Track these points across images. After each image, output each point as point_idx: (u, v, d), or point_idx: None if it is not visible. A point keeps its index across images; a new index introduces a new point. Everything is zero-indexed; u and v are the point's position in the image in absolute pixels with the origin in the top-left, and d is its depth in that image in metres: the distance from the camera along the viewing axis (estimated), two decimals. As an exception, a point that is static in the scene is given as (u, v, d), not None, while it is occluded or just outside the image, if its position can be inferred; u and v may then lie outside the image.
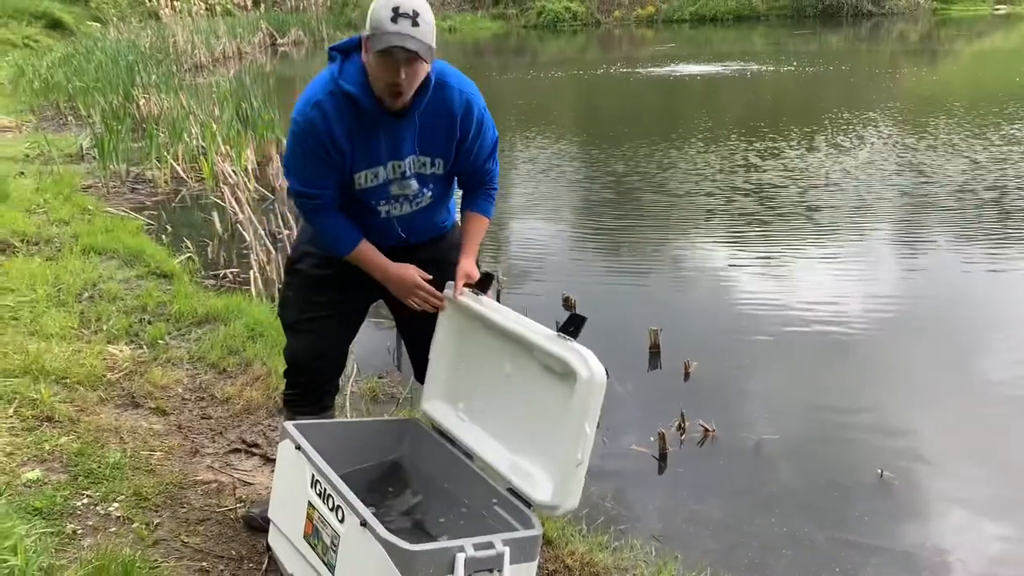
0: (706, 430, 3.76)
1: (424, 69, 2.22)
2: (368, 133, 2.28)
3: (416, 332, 2.67)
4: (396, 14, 2.13)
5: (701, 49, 23.16)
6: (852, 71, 17.18)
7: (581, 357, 2.13)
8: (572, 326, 2.19)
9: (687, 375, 4.31)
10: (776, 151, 9.50)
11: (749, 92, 15.17)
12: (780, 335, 4.88)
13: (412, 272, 2.45)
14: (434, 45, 2.20)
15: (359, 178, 2.35)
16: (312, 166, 2.31)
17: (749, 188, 8.02)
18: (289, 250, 2.73)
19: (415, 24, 2.14)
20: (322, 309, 2.53)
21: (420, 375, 2.70)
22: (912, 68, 17.85)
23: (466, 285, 2.47)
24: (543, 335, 2.25)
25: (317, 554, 2.19)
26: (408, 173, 2.37)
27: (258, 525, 2.60)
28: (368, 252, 2.43)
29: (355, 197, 2.39)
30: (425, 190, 2.45)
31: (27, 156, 8.81)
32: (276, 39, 25.07)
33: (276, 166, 8.07)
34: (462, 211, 2.60)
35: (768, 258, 6.23)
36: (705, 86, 16.15)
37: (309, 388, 2.66)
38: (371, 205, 2.41)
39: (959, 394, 4.22)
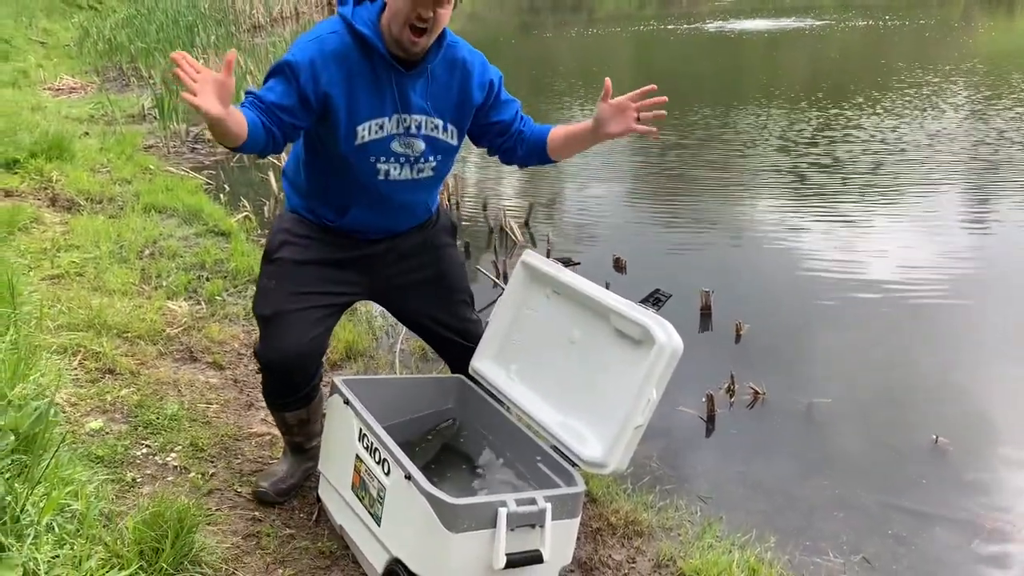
0: (756, 392, 3.72)
1: (448, 16, 2.12)
2: (374, 80, 2.16)
3: (420, 322, 2.63)
4: None
5: (764, 3, 22.54)
6: (924, 25, 16.54)
7: (662, 325, 2.18)
8: (656, 299, 2.26)
9: (738, 337, 4.26)
10: (840, 112, 9.23)
11: (814, 49, 14.74)
12: (836, 298, 4.79)
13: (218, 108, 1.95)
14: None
15: (363, 130, 2.18)
16: (279, 85, 2.11)
17: (811, 150, 7.83)
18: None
19: None
20: (304, 300, 2.30)
21: (449, 357, 2.72)
22: (989, 21, 17.12)
23: (558, 259, 2.49)
24: (624, 302, 2.29)
25: (364, 506, 2.25)
26: (415, 131, 2.25)
27: (270, 500, 2.58)
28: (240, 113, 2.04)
29: (353, 159, 2.23)
30: (431, 157, 2.30)
31: (92, 116, 9.01)
32: (333, -2, 25.12)
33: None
34: (536, 146, 2.42)
35: (827, 221, 6.10)
36: (768, 43, 15.74)
37: (292, 390, 2.42)
38: (370, 163, 2.24)
39: (1022, 363, 4.10)
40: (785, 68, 13.27)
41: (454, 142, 2.35)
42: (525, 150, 2.45)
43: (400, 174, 2.29)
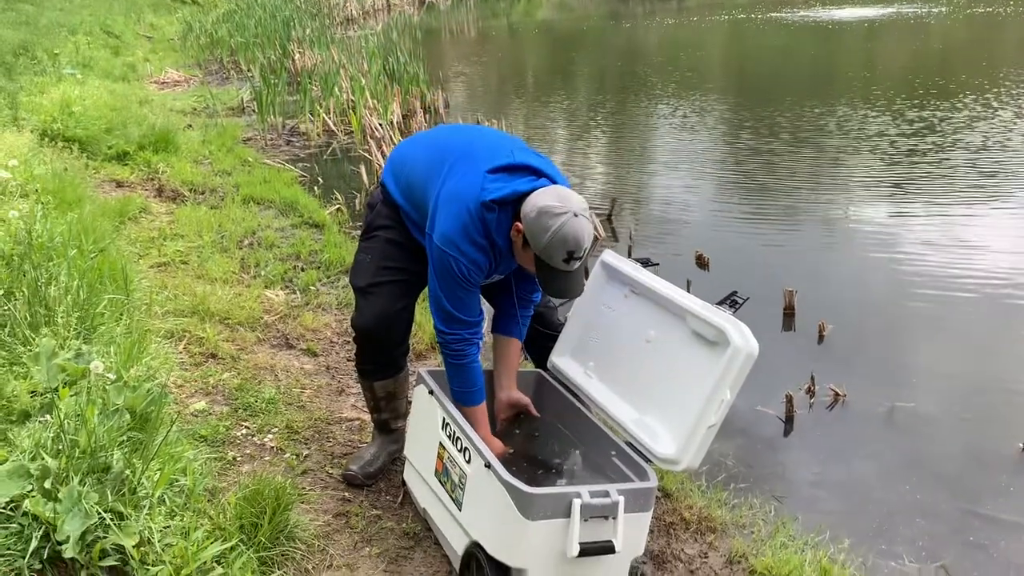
0: (836, 394, 3.71)
1: None
2: (498, 265, 2.45)
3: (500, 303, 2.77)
4: (571, 257, 2.24)
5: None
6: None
7: (738, 328, 2.23)
8: (732, 301, 2.31)
9: (821, 337, 4.23)
10: (942, 109, 8.91)
11: (916, 40, 14.23)
12: (924, 300, 4.69)
13: (500, 446, 2.52)
14: None
15: None
16: (475, 296, 2.45)
17: (907, 149, 7.60)
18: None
19: (581, 259, 2.26)
20: (395, 274, 2.59)
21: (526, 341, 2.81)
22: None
23: (638, 260, 2.60)
24: (700, 304, 2.35)
25: (446, 490, 2.37)
26: (504, 275, 2.58)
27: (359, 482, 2.75)
28: (484, 413, 2.51)
29: None
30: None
31: (194, 109, 9.45)
32: (424, -10, 25.47)
33: (420, 120, 8.32)
34: (499, 335, 2.64)
35: (920, 222, 5.95)
36: (867, 32, 15.26)
37: (381, 356, 2.68)
38: None
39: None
40: (884, 61, 12.86)
41: None
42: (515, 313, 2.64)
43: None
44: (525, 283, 2.59)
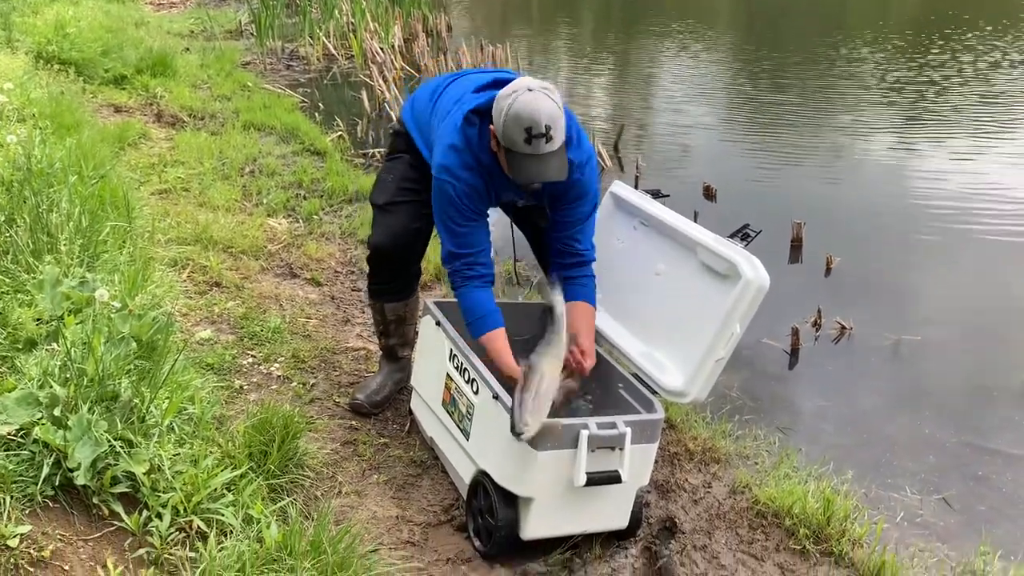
0: (842, 327, 3.70)
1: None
2: (493, 182, 2.37)
3: (523, 228, 2.77)
4: (530, 135, 2.12)
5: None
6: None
7: (749, 261, 2.21)
8: (744, 234, 2.28)
9: (828, 270, 4.21)
10: (952, 44, 8.71)
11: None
12: (934, 233, 4.66)
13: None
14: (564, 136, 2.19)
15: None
16: (476, 231, 2.37)
17: (915, 84, 7.45)
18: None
19: (548, 139, 2.12)
20: (414, 195, 2.58)
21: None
22: None
23: (648, 191, 2.57)
24: (712, 236, 2.32)
25: (454, 420, 2.38)
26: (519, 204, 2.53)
27: (365, 411, 2.76)
28: (502, 341, 2.34)
29: None
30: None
31: (191, 31, 9.23)
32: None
33: (422, 44, 8.14)
34: (567, 300, 2.45)
35: (930, 155, 5.88)
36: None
37: (394, 275, 2.70)
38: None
39: None
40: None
41: None
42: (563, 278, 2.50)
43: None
44: (555, 231, 2.48)
